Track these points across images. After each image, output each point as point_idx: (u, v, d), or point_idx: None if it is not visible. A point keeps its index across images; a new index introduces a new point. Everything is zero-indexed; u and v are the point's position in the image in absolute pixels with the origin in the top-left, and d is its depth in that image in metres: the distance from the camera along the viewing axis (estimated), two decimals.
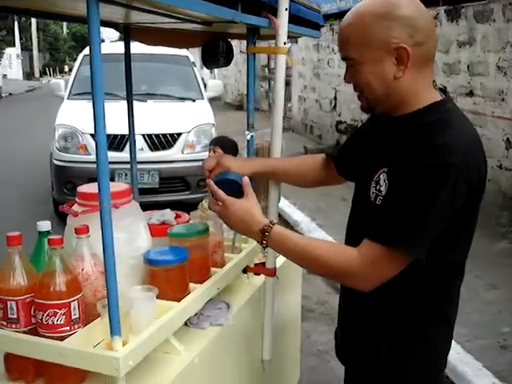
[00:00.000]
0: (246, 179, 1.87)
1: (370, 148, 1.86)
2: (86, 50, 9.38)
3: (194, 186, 7.08)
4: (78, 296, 1.60)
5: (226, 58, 2.93)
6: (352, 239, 1.75)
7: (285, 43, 2.22)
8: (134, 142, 2.70)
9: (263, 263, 2.37)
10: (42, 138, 11.08)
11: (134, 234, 1.92)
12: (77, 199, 1.93)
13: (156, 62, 8.36)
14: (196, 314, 1.99)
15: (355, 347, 1.92)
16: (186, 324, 1.94)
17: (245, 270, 2.38)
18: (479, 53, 7.15)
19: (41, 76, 48.84)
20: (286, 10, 2.18)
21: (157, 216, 2.20)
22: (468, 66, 7.36)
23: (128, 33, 2.55)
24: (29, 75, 46.52)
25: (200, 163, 6.89)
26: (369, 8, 1.62)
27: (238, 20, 1.97)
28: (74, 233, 1.72)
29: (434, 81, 1.73)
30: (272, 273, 2.34)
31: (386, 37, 1.58)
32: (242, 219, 1.77)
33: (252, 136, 2.37)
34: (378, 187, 1.72)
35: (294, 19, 2.34)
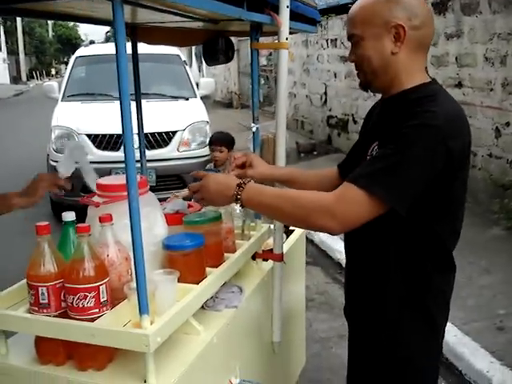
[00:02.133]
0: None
1: (366, 134, 2.03)
2: (79, 52, 9.45)
3: (191, 183, 7.15)
4: (105, 280, 1.71)
5: (226, 55, 3.02)
6: None
7: (287, 38, 2.33)
8: (143, 139, 2.81)
9: (271, 250, 2.48)
10: (33, 141, 11.14)
11: (152, 222, 2.03)
12: (97, 191, 2.04)
13: (148, 62, 8.42)
14: (212, 297, 2.10)
15: (361, 311, 2.03)
16: (202, 307, 2.05)
17: (253, 257, 2.48)
18: (467, 44, 7.27)
19: (28, 80, 48.64)
20: (288, 7, 2.29)
21: (171, 206, 2.30)
22: (456, 58, 7.48)
23: (135, 33, 2.65)
24: (16, 79, 46.34)
25: (195, 160, 6.98)
26: None
27: (244, 17, 2.08)
28: (96, 222, 1.82)
29: (426, 67, 1.91)
30: (279, 258, 2.46)
31: (387, 16, 1.79)
32: (221, 182, 1.93)
33: (257, 128, 2.48)
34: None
35: (292, 15, 2.44)
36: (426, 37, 1.85)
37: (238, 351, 2.19)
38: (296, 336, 3.09)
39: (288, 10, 2.29)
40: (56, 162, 7.16)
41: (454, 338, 4.02)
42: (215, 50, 2.97)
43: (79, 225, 1.70)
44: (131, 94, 1.65)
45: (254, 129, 2.47)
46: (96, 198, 2.02)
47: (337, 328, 4.41)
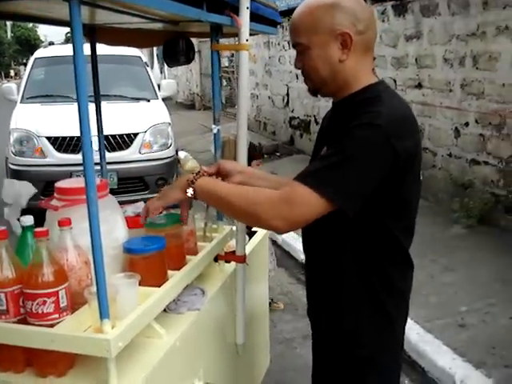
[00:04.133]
0: None
1: (317, 137, 2.05)
2: (38, 53, 9.31)
3: (153, 185, 7.13)
4: (65, 285, 1.68)
5: (187, 56, 3.01)
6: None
7: (247, 40, 2.32)
8: (103, 141, 2.78)
9: (233, 251, 2.48)
10: None
11: (112, 225, 2.00)
12: (55, 194, 2.01)
13: (108, 63, 8.33)
14: (174, 300, 2.08)
15: (320, 310, 2.03)
16: (164, 310, 2.03)
17: (216, 259, 2.47)
18: (426, 46, 7.36)
19: None
20: (248, 8, 2.28)
21: (131, 209, 2.28)
22: (416, 59, 7.58)
23: (93, 34, 2.61)
24: None
25: (157, 162, 6.93)
26: (317, 0, 1.82)
27: (204, 19, 2.07)
28: (55, 226, 1.79)
29: (373, 69, 1.91)
30: (242, 259, 2.45)
31: (332, 24, 1.78)
32: (175, 183, 1.99)
33: (218, 130, 2.47)
34: None
35: (253, 17, 2.44)
36: (370, 39, 1.86)
37: (202, 354, 2.18)
38: (260, 337, 3.09)
39: (248, 11, 2.29)
40: (15, 165, 7.07)
41: (417, 335, 4.07)
42: (175, 51, 2.96)
43: (37, 229, 1.67)
44: (90, 96, 1.63)
45: (214, 130, 2.47)
46: (55, 202, 1.99)
47: (301, 328, 4.42)
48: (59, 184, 2.04)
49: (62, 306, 1.67)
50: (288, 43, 11.70)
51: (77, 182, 2.03)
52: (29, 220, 1.80)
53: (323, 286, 1.98)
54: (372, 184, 1.71)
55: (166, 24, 2.35)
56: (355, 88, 1.84)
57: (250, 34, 2.38)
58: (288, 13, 11.18)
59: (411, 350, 3.93)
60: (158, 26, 2.48)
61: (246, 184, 2.13)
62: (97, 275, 1.55)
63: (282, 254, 6.14)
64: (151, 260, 1.99)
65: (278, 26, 3.14)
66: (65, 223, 1.77)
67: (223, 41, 2.78)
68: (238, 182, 2.05)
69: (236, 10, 2.29)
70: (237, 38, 2.37)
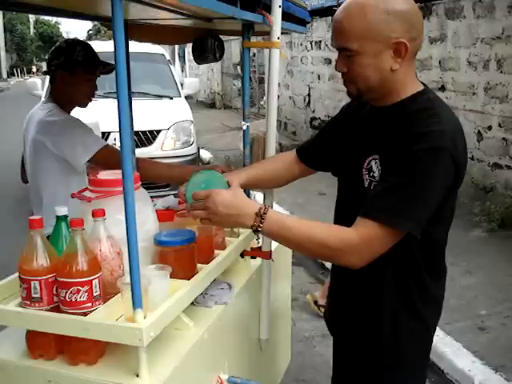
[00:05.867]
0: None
1: (355, 138, 1.96)
2: None
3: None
4: (98, 274, 1.71)
5: (214, 55, 3.04)
6: (346, 226, 1.78)
7: (278, 38, 2.35)
8: (133, 137, 2.82)
9: (259, 247, 2.50)
10: (14, 138, 11.02)
11: (143, 218, 2.02)
12: (88, 186, 2.04)
13: (133, 60, 8.40)
14: (201, 294, 2.11)
15: (353, 324, 2.03)
16: (191, 303, 2.06)
17: (241, 254, 2.50)
18: (450, 48, 7.35)
19: (8, 77, 48.33)
20: (280, 6, 2.31)
21: (161, 202, 2.31)
22: (440, 62, 7.56)
23: (125, 30, 2.64)
24: None
25: (179, 159, 6.98)
26: (370, 1, 1.68)
27: (238, 16, 2.09)
28: (87, 217, 1.82)
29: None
30: (268, 256, 2.47)
31: (387, 31, 1.67)
32: (231, 206, 1.76)
33: (248, 126, 2.49)
34: (371, 174, 1.82)
35: (283, 15, 2.46)
36: (420, 44, 1.79)
37: (227, 347, 2.20)
38: (282, 334, 3.10)
39: (280, 9, 2.31)
40: None
41: (437, 337, 4.04)
42: (205, 48, 2.99)
43: (73, 219, 1.70)
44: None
45: (244, 127, 2.49)
46: (87, 193, 2.02)
47: (320, 327, 4.42)
48: (92, 176, 2.07)
49: (95, 295, 1.70)
50: (310, 43, 11.71)
51: (110, 175, 2.06)
52: (63, 210, 1.83)
53: (361, 294, 1.97)
54: (437, 202, 1.72)
55: (199, 21, 2.38)
56: (402, 95, 1.79)
57: (282, 33, 2.40)
58: (311, 13, 11.19)
59: (431, 352, 3.92)
60: (188, 22, 2.51)
61: (261, 181, 2.20)
62: (131, 265, 1.58)
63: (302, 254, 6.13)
64: (182, 253, 2.01)
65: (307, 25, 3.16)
66: (99, 214, 1.79)
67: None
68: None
69: (267, 8, 2.31)
70: (259, 37, 2.38)
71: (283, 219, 1.78)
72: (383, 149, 1.79)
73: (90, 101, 2.89)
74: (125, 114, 1.50)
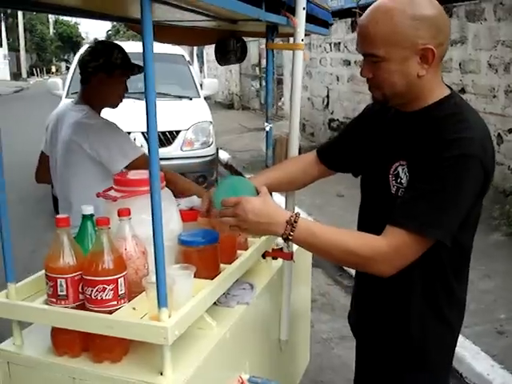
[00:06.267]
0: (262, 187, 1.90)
1: (380, 141, 1.96)
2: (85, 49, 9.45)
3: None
4: (124, 273, 1.73)
5: (237, 56, 3.06)
6: (371, 232, 1.77)
7: (302, 40, 2.35)
8: (157, 139, 2.83)
9: (281, 248, 2.51)
10: (34, 138, 11.10)
11: (168, 217, 2.03)
12: (113, 186, 2.06)
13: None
14: (224, 294, 2.12)
15: (380, 328, 2.04)
16: (214, 303, 2.07)
17: (263, 255, 2.51)
18: (471, 51, 7.32)
19: (28, 77, 48.74)
20: (304, 9, 2.31)
21: (185, 203, 2.33)
22: (460, 64, 7.53)
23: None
24: (16, 76, 46.42)
25: (198, 160, 7.00)
26: (397, 6, 1.66)
27: (263, 18, 2.10)
28: (114, 216, 1.84)
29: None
30: (289, 257, 2.48)
31: (414, 37, 1.65)
32: (261, 214, 1.75)
33: (271, 128, 2.50)
34: (398, 180, 1.82)
35: (307, 17, 2.47)
36: (446, 49, 1.77)
37: (248, 348, 2.21)
38: (301, 335, 3.11)
39: (304, 11, 2.32)
40: None
41: None
42: (227, 50, 3.01)
43: (99, 217, 1.72)
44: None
45: (267, 128, 2.49)
46: (113, 193, 2.04)
47: (338, 329, 4.43)
48: (117, 176, 2.09)
49: (120, 293, 1.72)
50: (329, 45, 11.70)
51: (135, 174, 2.08)
52: (89, 209, 1.85)
53: (389, 298, 1.97)
54: (467, 210, 1.71)
55: (223, 22, 2.39)
56: (429, 100, 1.78)
57: (305, 35, 2.41)
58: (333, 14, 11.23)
59: None
60: (212, 24, 2.53)
61: (281, 184, 2.21)
62: (157, 264, 1.59)
63: None
64: (205, 253, 2.03)
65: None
66: (124, 213, 1.81)
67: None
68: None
69: (291, 10, 2.32)
70: (277, 39, 2.38)
71: (313, 227, 1.77)
72: (411, 155, 1.78)
73: (121, 101, 2.92)
74: (152, 116, 1.51)
